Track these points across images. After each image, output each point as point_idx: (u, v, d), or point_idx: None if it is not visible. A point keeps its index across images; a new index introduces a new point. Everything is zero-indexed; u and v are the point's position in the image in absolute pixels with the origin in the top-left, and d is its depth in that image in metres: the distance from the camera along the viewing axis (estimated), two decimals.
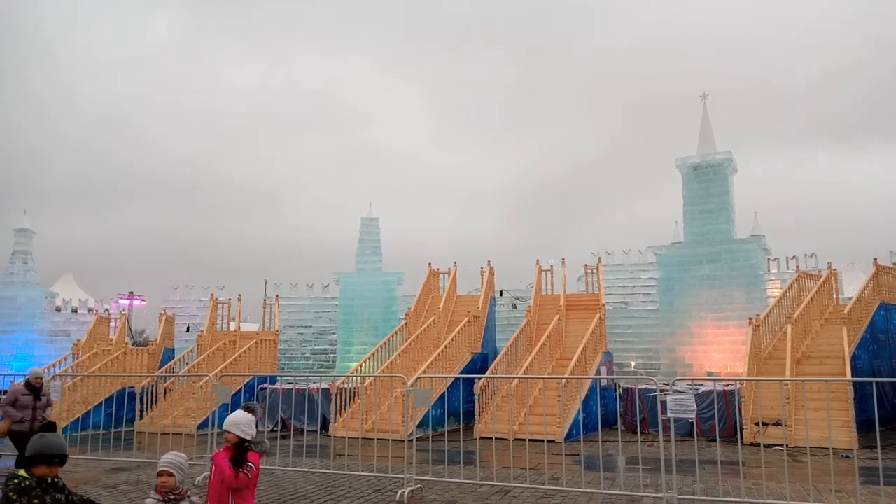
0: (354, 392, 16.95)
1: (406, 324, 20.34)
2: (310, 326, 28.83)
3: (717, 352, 22.19)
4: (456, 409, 17.32)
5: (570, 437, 15.48)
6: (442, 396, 16.93)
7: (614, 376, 19.79)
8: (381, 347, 19.31)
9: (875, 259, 19.47)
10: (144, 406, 17.77)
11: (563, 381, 15.74)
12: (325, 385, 17.92)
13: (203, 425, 16.32)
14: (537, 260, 22.81)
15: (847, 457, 11.99)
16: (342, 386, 17.00)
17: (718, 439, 11.21)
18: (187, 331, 27.24)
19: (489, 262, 22.97)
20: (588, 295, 22.34)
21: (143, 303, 43.10)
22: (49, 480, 3.85)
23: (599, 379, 17.98)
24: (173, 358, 22.99)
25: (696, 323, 22.79)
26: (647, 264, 25.40)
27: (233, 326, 24.48)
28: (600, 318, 19.43)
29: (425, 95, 67.11)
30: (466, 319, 19.63)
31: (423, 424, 15.77)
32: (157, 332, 25.16)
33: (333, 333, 27.88)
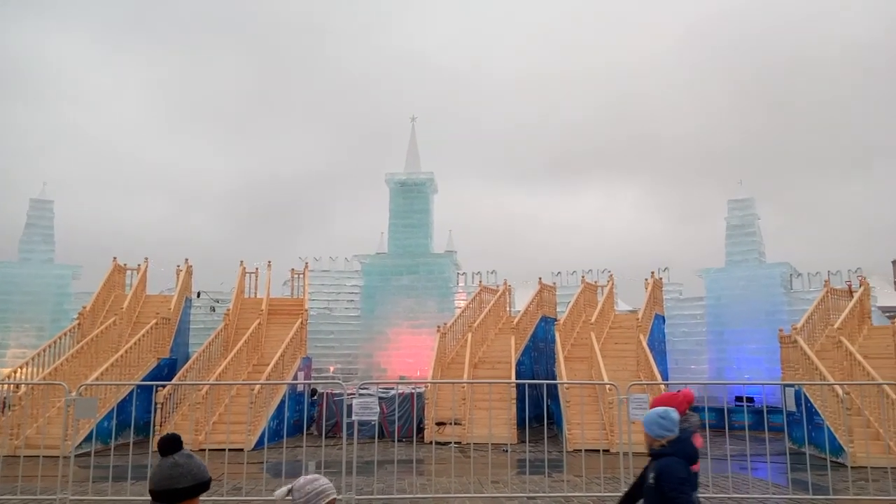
0: (3, 403, 14.34)
1: (79, 324, 17.86)
2: None
3: (410, 356, 23.70)
4: (133, 420, 15.64)
5: (261, 444, 15.05)
6: (115, 407, 15.20)
7: (310, 381, 19.86)
8: (45, 351, 16.66)
9: (540, 278, 22.70)
10: None
11: (256, 387, 15.28)
12: None
13: None
14: (241, 261, 21.96)
15: (506, 451, 13.66)
16: None
17: (396, 440, 11.90)
18: None
19: (186, 260, 21.40)
20: (292, 300, 22.19)
21: None
22: None
23: (295, 384, 17.87)
24: None
25: (393, 329, 24.08)
26: (353, 272, 26.12)
27: None
28: (302, 322, 19.38)
29: (149, 86, 60.53)
30: (154, 321, 17.95)
31: (89, 438, 13.96)
32: None
33: None
